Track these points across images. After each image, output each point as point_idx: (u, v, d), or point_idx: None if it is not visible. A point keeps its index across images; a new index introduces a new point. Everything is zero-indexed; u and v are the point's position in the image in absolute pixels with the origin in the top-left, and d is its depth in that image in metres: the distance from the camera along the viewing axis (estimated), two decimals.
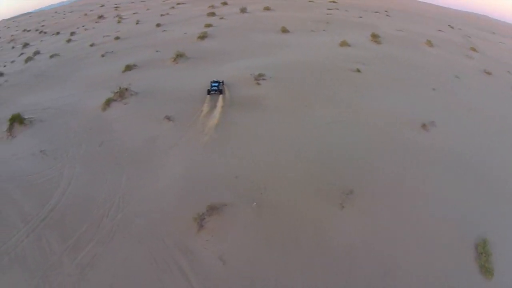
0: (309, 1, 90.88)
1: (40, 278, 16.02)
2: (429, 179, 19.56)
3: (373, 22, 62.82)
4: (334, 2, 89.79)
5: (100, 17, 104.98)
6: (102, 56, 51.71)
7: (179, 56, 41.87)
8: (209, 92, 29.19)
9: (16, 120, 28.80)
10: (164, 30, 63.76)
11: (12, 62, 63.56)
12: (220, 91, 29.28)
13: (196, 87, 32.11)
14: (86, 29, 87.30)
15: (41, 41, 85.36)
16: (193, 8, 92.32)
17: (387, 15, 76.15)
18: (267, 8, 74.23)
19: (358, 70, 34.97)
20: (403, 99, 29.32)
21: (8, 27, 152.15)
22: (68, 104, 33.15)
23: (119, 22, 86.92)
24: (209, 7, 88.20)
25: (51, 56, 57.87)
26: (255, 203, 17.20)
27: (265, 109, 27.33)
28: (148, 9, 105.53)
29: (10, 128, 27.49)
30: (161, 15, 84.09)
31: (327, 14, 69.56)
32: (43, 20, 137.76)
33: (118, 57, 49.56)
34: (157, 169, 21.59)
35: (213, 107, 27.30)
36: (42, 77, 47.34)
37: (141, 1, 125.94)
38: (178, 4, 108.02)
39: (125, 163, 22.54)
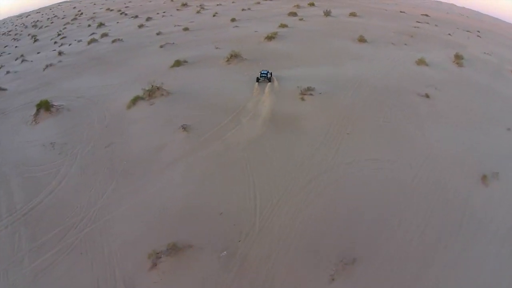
0: (400, 12, 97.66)
1: (1, 271, 18.99)
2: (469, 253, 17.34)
3: (461, 42, 65.10)
4: (426, 15, 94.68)
5: (184, 4, 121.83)
6: (161, 47, 58.89)
7: (234, 56, 44.49)
8: (257, 79, 37.90)
9: (43, 106, 34.92)
10: (236, 26, 71.08)
11: (79, 41, 76.74)
12: (269, 79, 37.80)
13: (234, 95, 34.04)
14: (164, 16, 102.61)
15: (117, 22, 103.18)
16: (277, 6, 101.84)
17: (478, 36, 77.89)
18: (353, 14, 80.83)
19: (427, 96, 35.57)
20: (469, 138, 28.96)
21: (95, 4, 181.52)
22: (101, 95, 38.79)
23: (198, 12, 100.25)
24: (294, 6, 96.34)
25: (113, 41, 68.50)
26: (224, 252, 17.29)
27: (297, 133, 27.24)
28: (233, 2, 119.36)
29: (36, 114, 33.34)
30: (242, 9, 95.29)
31: (415, 27, 73.18)
32: (129, 1, 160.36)
33: (176, 49, 55.98)
34: (146, 186, 23.66)
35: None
36: (96, 61, 57.07)
37: None
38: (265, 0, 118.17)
39: (120, 171, 25.34)
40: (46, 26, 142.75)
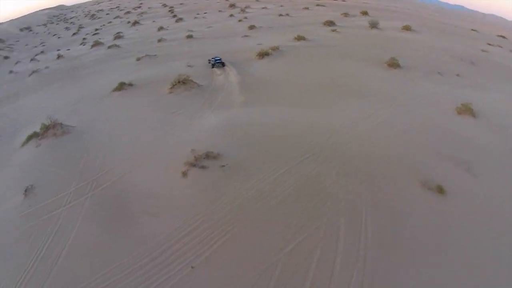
0: (472, 30, 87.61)
1: None
2: None
3: None
4: (502, 37, 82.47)
5: (232, 5, 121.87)
6: (138, 59, 54.88)
7: (182, 82, 37.75)
8: (213, 65, 44.57)
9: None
10: (246, 36, 64.58)
11: (90, 43, 79.53)
12: (223, 64, 44.81)
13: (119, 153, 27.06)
14: (196, 18, 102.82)
15: (153, 21, 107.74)
16: (322, 12, 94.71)
17: None
18: (406, 28, 68.03)
19: (441, 190, 20.31)
20: None
21: None
22: (25, 120, 37.92)
23: (231, 15, 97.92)
24: (342, 14, 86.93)
25: (109, 47, 69.80)
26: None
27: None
28: (281, 6, 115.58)
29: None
30: (280, 15, 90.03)
31: (482, 50, 58.31)
32: None
33: (146, 65, 51.45)
34: None
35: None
36: (71, 72, 56.39)
37: None
38: (317, 5, 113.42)
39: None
40: (99, 18, 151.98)
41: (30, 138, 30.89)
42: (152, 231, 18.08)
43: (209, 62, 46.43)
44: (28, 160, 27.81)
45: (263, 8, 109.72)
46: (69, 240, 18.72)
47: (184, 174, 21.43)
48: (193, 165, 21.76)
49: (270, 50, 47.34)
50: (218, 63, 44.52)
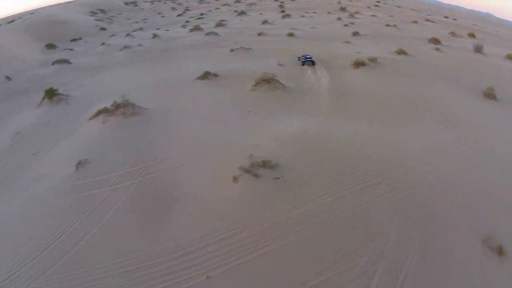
0: None
1: None
2: None
3: None
4: None
5: (342, 9, 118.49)
6: (232, 50, 56.22)
7: (265, 81, 36.71)
8: (303, 63, 46.90)
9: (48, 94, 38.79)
10: (347, 42, 63.85)
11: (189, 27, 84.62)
12: (313, 62, 46.93)
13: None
14: (303, 16, 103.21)
15: (260, 14, 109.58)
16: (430, 28, 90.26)
17: None
18: (510, 57, 61.07)
19: (500, 252, 17.55)
20: None
21: None
22: (107, 95, 38.66)
23: (338, 19, 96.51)
24: (449, 33, 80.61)
25: (207, 34, 72.01)
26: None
27: None
28: (391, 16, 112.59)
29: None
30: (387, 25, 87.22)
31: None
32: None
33: (240, 56, 52.68)
34: None
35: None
36: (162, 54, 59.11)
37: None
38: (427, 20, 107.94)
39: None
40: (207, 3, 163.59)
41: (99, 112, 33.12)
42: (182, 230, 18.14)
43: (299, 60, 48.94)
44: (90, 134, 30.07)
45: (372, 15, 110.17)
46: (101, 221, 19.55)
47: (236, 179, 21.16)
48: (247, 171, 21.40)
49: (367, 61, 47.17)
50: (309, 61, 47.17)
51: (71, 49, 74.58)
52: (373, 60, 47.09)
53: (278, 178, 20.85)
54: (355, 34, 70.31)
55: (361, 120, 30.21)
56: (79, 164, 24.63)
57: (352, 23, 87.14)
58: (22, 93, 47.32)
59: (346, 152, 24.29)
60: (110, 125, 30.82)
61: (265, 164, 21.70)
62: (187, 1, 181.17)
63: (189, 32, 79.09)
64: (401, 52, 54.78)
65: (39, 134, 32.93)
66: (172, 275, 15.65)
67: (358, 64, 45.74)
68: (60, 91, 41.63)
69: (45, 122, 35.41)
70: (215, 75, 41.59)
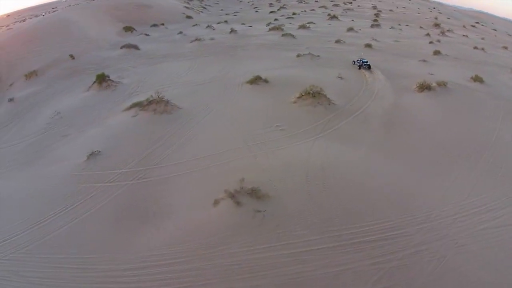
0: None
1: None
2: None
3: None
4: None
5: (436, 25, 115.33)
6: (298, 56, 56.03)
7: (310, 94, 35.97)
8: (359, 67, 49.91)
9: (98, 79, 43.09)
10: (423, 61, 59.74)
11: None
12: (369, 66, 49.55)
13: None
14: (391, 28, 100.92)
15: (351, 20, 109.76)
16: None
17: None
18: None
19: None
20: None
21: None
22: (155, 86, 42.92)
23: (427, 34, 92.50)
24: None
25: (283, 35, 73.50)
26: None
27: None
28: (482, 38, 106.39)
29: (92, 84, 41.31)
30: (474, 47, 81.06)
31: None
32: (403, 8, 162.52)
33: (305, 64, 51.89)
34: None
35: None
36: (229, 50, 61.72)
37: None
38: None
39: None
40: (306, 3, 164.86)
41: (134, 105, 35.13)
42: (144, 244, 18.78)
43: (354, 63, 51.98)
44: (116, 126, 32.33)
45: (463, 35, 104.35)
46: (84, 215, 21.36)
47: (216, 203, 20.76)
48: (231, 196, 20.75)
49: (435, 85, 42.64)
50: (365, 65, 49.86)
51: (147, 34, 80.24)
52: (442, 84, 42.98)
53: (260, 211, 19.77)
54: (436, 53, 66.82)
55: (401, 158, 27.47)
56: (91, 155, 26.72)
57: (438, 40, 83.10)
58: (79, 73, 52.41)
59: (357, 198, 21.76)
60: (137, 120, 32.76)
61: (252, 192, 20.83)
62: None
63: (268, 31, 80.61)
64: (477, 79, 50.18)
65: (76, 117, 36.43)
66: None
67: (424, 87, 42.28)
68: (113, 77, 45.30)
69: (85, 106, 39.01)
70: (266, 81, 41.41)
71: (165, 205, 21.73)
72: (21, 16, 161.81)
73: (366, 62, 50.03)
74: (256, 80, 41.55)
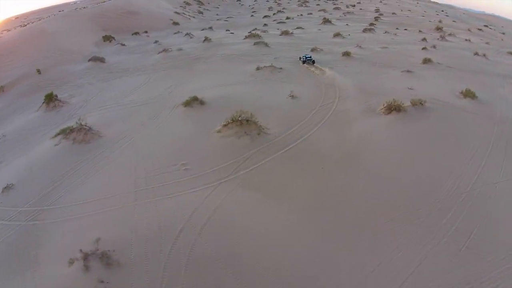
0: None
1: None
2: None
3: None
4: None
5: (438, 29, 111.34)
6: (257, 69, 53.31)
7: (237, 121, 32.47)
8: (304, 62, 54.89)
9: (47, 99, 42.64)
10: (408, 71, 53.18)
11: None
12: (313, 61, 54.19)
13: None
14: (385, 33, 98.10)
15: (346, 24, 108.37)
16: None
17: None
18: None
19: None
20: None
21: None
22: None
23: (423, 39, 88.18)
24: None
25: (255, 44, 71.73)
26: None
27: None
28: (487, 43, 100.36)
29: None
30: (475, 53, 74.05)
31: None
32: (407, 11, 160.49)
33: (259, 80, 49.30)
34: None
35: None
36: (192, 62, 61.27)
37: None
38: None
39: None
40: (306, 6, 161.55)
41: (60, 132, 33.73)
42: None
43: (300, 59, 57.24)
44: (37, 156, 31.58)
45: (466, 40, 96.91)
46: None
47: (71, 262, 19.09)
48: (85, 258, 19.05)
49: (406, 105, 36.48)
50: (309, 61, 54.66)
51: (123, 44, 79.71)
52: (417, 103, 36.65)
53: (103, 282, 17.85)
54: (426, 61, 59.66)
55: (323, 224, 22.10)
56: (5, 188, 26.75)
57: (434, 46, 77.41)
58: (41, 90, 50.68)
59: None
60: (57, 149, 31.81)
61: (103, 256, 18.89)
62: (288, 2, 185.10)
63: (244, 38, 78.83)
64: (468, 94, 41.88)
65: (15, 142, 35.96)
66: None
67: (391, 108, 35.93)
68: (65, 95, 44.76)
69: (29, 129, 38.52)
70: (202, 102, 39.00)
71: (34, 256, 20.59)
72: (27, 19, 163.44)
73: (310, 57, 55.36)
74: (191, 101, 39.14)
